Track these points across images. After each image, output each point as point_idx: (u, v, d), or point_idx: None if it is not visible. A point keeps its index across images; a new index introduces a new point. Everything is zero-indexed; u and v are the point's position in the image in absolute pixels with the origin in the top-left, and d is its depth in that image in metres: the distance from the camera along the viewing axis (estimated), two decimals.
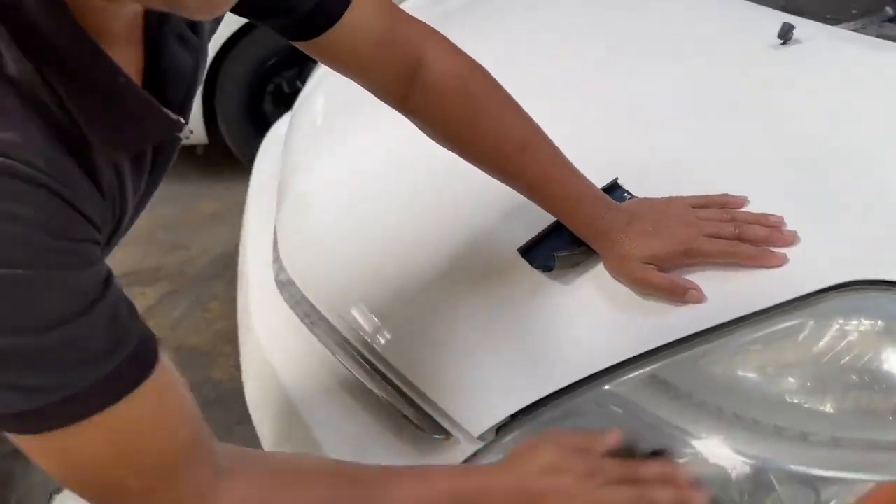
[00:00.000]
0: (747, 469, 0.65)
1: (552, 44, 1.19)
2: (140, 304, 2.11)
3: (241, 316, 1.17)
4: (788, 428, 0.65)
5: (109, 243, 0.58)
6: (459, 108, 0.77)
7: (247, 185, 1.44)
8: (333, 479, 0.62)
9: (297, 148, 1.27)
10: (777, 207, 0.77)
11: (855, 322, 0.67)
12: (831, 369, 0.67)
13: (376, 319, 0.90)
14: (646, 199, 0.81)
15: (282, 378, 0.98)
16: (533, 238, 0.83)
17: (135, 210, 0.61)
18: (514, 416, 0.74)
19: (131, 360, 0.51)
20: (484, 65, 0.78)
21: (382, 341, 0.88)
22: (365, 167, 1.07)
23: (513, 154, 0.78)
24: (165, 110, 0.53)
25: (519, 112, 0.78)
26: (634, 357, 0.72)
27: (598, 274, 0.79)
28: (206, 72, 0.66)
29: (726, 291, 0.73)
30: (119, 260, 2.18)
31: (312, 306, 1.01)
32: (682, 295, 0.72)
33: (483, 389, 0.78)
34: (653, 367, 0.71)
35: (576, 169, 0.79)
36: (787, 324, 0.69)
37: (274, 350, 1.03)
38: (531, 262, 0.81)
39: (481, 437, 0.75)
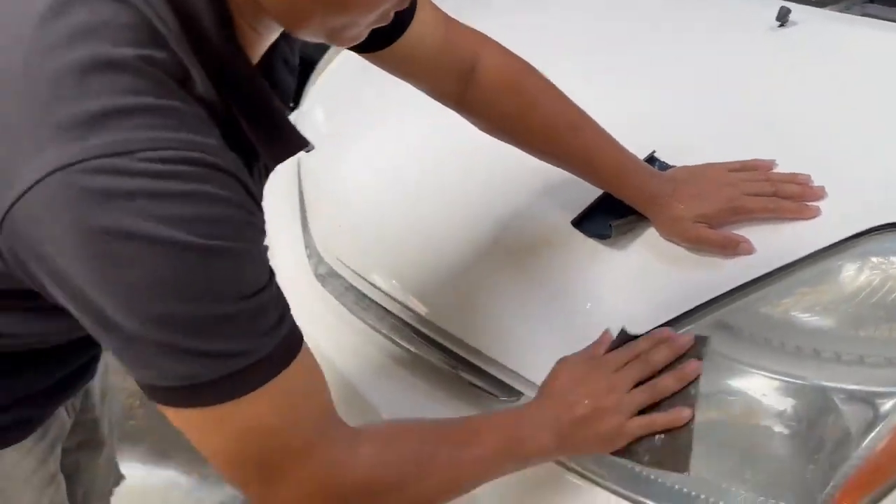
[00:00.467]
0: (811, 394, 0.73)
1: (556, 38, 1.26)
2: None
3: None
4: (845, 354, 0.73)
5: None
6: (513, 103, 0.84)
7: None
8: (432, 435, 0.67)
9: (318, 146, 1.31)
10: (802, 167, 0.87)
11: (893, 258, 0.76)
12: (873, 301, 0.76)
13: (433, 296, 0.95)
14: (685, 167, 0.89)
15: (340, 368, 1.02)
16: (583, 210, 0.90)
17: None
18: None
19: (293, 327, 0.57)
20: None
21: (444, 316, 0.93)
22: (400, 151, 1.12)
23: (565, 137, 0.85)
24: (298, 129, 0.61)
25: (565, 99, 0.86)
26: (698, 307, 0.79)
27: (650, 237, 0.87)
28: None
29: (772, 242, 0.81)
30: None
31: (361, 293, 1.06)
32: (734, 248, 0.81)
33: (553, 348, 0.84)
34: (716, 314, 0.79)
35: (620, 144, 0.86)
36: (830, 265, 0.78)
37: (327, 345, 1.06)
38: (585, 233, 0.89)
39: None
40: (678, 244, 0.84)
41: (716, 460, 0.74)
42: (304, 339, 0.59)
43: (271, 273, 0.56)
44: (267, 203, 0.61)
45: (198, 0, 0.52)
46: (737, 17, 1.16)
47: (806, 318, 0.76)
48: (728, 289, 0.79)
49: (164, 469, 1.69)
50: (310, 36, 0.57)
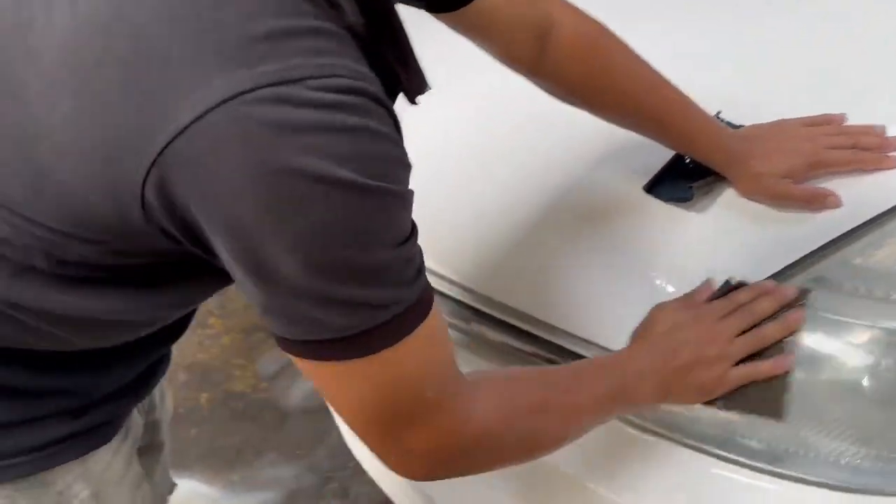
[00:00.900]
0: None
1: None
2: None
3: None
4: None
5: None
6: (590, 65, 0.82)
7: None
8: (540, 385, 0.66)
9: None
10: (872, 120, 0.86)
11: None
12: None
13: (507, 280, 0.92)
14: (758, 125, 0.88)
15: None
16: (655, 175, 0.88)
17: None
18: None
19: (427, 280, 0.55)
20: None
21: (523, 299, 0.90)
22: (458, 121, 1.07)
23: (642, 97, 0.84)
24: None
25: (641, 60, 0.84)
26: (791, 264, 0.78)
27: (728, 197, 0.85)
28: None
29: (858, 194, 0.81)
30: None
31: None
32: (822, 202, 0.80)
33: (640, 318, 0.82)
34: (810, 269, 0.78)
35: (696, 104, 0.85)
36: None
37: None
38: (661, 198, 0.87)
39: None
40: (760, 202, 0.83)
41: (810, 414, 0.73)
42: None
43: (414, 222, 0.54)
44: None
45: None
46: None
47: None
48: (819, 244, 0.78)
49: (182, 479, 1.64)
50: None
